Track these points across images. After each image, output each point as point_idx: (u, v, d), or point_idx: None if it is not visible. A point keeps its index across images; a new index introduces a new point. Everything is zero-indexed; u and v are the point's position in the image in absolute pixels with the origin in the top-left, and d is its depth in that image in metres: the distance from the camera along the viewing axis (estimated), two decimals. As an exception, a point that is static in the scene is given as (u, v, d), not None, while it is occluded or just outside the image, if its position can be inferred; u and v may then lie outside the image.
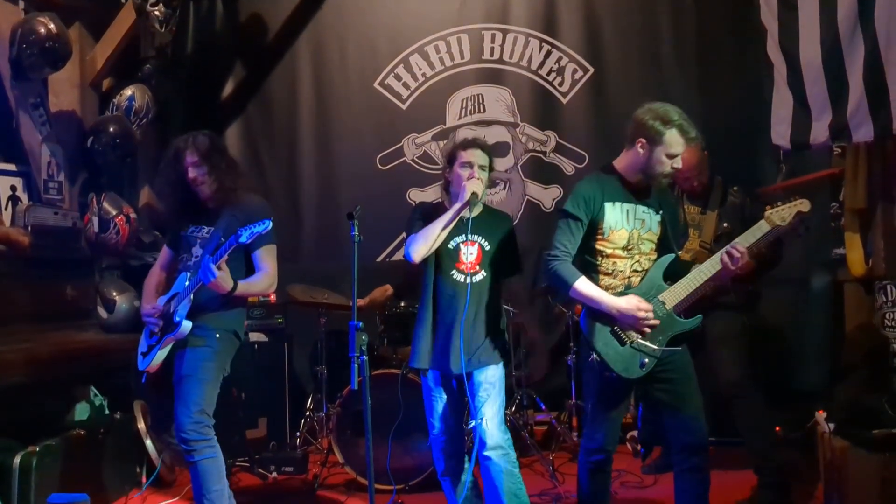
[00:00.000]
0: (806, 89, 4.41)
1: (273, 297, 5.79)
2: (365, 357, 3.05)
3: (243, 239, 3.46)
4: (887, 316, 4.47)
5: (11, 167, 4.92)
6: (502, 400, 3.62)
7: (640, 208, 3.41)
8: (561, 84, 6.36)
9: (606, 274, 3.40)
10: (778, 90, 4.61)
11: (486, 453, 3.51)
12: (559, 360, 5.82)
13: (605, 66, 6.29)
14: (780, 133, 4.58)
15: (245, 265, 3.80)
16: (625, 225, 3.38)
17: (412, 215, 3.76)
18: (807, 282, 5.51)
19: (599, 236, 3.39)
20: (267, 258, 3.80)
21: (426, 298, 3.66)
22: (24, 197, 4.94)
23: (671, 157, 3.31)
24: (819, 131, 4.37)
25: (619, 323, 3.30)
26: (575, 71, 6.33)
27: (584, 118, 6.31)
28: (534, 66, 6.37)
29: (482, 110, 6.44)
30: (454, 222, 3.57)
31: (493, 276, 3.65)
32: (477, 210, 3.67)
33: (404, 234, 6.26)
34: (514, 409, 5.31)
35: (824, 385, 5.28)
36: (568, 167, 6.34)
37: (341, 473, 4.85)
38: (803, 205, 3.34)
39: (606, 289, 3.36)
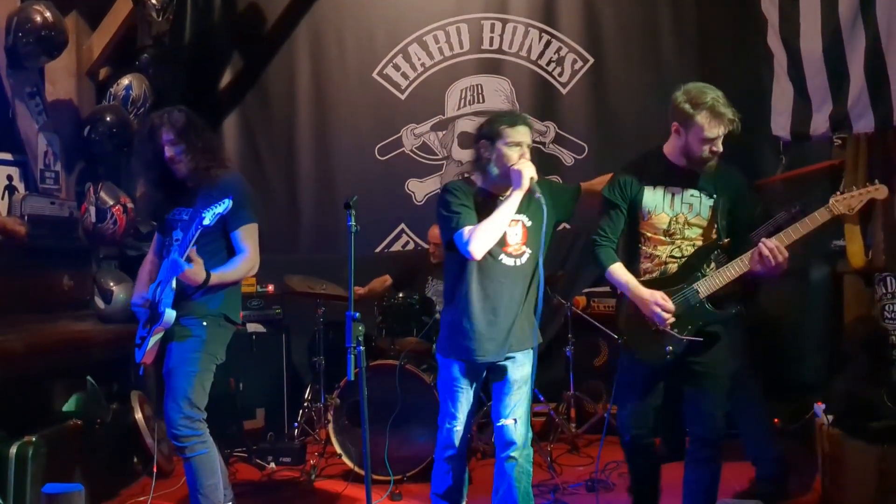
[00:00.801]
0: (806, 80, 4.39)
1: (271, 287, 5.79)
2: (362, 348, 3.03)
3: (207, 222, 3.34)
4: (887, 308, 4.46)
5: (8, 156, 4.89)
6: (531, 398, 3.48)
7: (689, 192, 3.31)
8: (560, 74, 6.33)
9: (646, 258, 3.37)
10: (778, 81, 4.59)
11: (513, 454, 3.40)
12: (557, 352, 5.81)
13: (605, 57, 6.28)
14: (781, 124, 4.56)
15: (226, 247, 3.67)
16: (666, 209, 3.31)
17: (449, 199, 3.40)
18: (806, 273, 5.49)
19: (641, 220, 3.35)
20: (246, 239, 3.64)
21: (467, 287, 3.39)
22: (20, 186, 4.92)
23: (706, 141, 3.18)
24: (819, 122, 4.36)
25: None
26: (574, 61, 6.31)
27: (583, 109, 6.30)
28: (533, 57, 6.35)
29: (481, 101, 6.42)
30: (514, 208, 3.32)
31: (535, 252, 3.41)
32: None
33: (403, 225, 6.36)
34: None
35: (823, 377, 5.27)
36: (567, 158, 6.32)
37: (339, 464, 4.84)
38: (879, 191, 3.16)
39: (644, 272, 3.34)
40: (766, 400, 4.34)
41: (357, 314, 3.05)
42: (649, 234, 3.35)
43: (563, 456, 5.07)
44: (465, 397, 3.50)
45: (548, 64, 6.34)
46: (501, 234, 3.32)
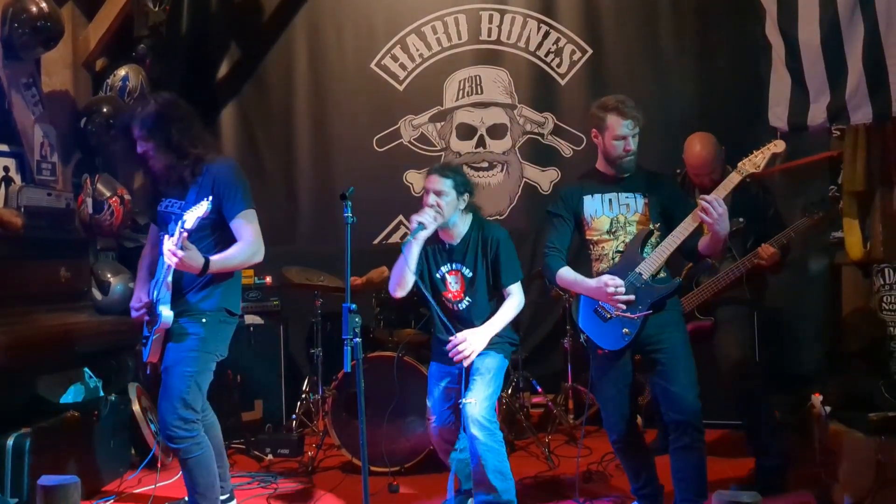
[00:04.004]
0: (804, 71, 4.38)
1: (269, 279, 5.78)
2: (358, 339, 3.02)
3: (189, 226, 3.24)
4: (885, 299, 4.46)
5: (4, 148, 4.88)
6: (496, 388, 3.73)
7: (623, 194, 3.58)
8: (559, 65, 6.32)
9: (597, 260, 3.62)
10: (776, 71, 4.57)
11: (472, 431, 3.59)
12: (556, 343, 5.81)
13: (604, 48, 6.26)
14: (777, 115, 4.55)
15: (216, 244, 3.56)
16: (606, 212, 3.58)
17: None
18: (804, 265, 5.49)
19: (586, 227, 3.62)
20: (245, 225, 3.51)
21: (433, 313, 3.85)
22: (17, 178, 4.92)
23: (618, 138, 3.49)
24: (817, 113, 4.35)
25: (599, 301, 3.51)
26: (573, 52, 6.29)
27: (582, 100, 6.27)
28: (532, 48, 6.33)
29: (479, 91, 6.40)
30: (417, 250, 3.77)
31: (480, 299, 3.83)
32: (463, 230, 3.85)
33: (401, 217, 6.36)
34: (510, 391, 5.30)
35: (821, 368, 5.28)
36: (566, 149, 6.31)
37: (337, 456, 4.85)
38: (777, 145, 3.44)
39: (598, 273, 3.55)
40: (765, 392, 4.34)
41: (354, 305, 3.04)
42: (595, 238, 3.61)
43: (561, 447, 5.07)
44: (440, 396, 3.93)
45: (546, 55, 6.32)
46: (399, 273, 3.79)
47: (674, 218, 3.49)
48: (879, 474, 3.51)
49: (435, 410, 3.94)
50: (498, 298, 3.85)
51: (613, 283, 3.40)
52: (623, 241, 3.54)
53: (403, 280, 3.80)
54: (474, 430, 3.58)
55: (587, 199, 3.61)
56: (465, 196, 3.82)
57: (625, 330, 3.44)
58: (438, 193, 3.76)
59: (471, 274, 3.81)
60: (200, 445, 3.55)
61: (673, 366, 3.45)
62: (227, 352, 3.69)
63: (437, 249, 3.87)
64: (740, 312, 4.25)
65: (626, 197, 3.57)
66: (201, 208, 3.26)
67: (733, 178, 3.38)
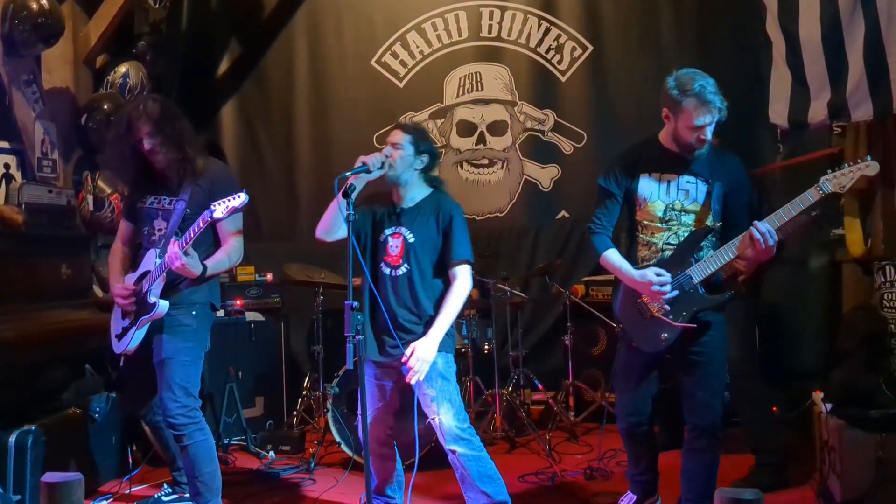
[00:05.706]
0: (805, 68, 4.37)
1: (270, 276, 5.79)
2: (361, 337, 3.02)
3: (218, 214, 3.35)
4: (886, 297, 4.45)
5: (5, 145, 4.89)
6: (453, 389, 3.49)
7: (685, 178, 3.30)
8: (560, 62, 6.31)
9: (644, 245, 3.38)
10: (776, 68, 4.57)
11: (449, 447, 3.48)
12: (556, 341, 5.81)
13: (605, 45, 6.26)
14: (778, 112, 4.55)
15: (212, 236, 3.66)
16: (661, 197, 3.32)
17: None
18: (805, 262, 5.48)
19: (637, 207, 3.37)
20: (232, 228, 3.65)
21: (363, 288, 3.53)
22: (17, 175, 4.92)
23: (693, 128, 3.16)
24: (817, 110, 4.35)
25: (642, 295, 3.31)
26: (574, 49, 6.29)
27: (582, 97, 6.28)
28: (532, 44, 6.33)
29: (480, 88, 6.40)
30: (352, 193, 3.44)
31: (420, 269, 3.50)
32: (417, 195, 3.57)
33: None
34: (510, 388, 5.31)
35: (821, 365, 5.27)
36: (566, 146, 6.30)
37: (338, 452, 4.84)
38: (870, 168, 3.04)
39: (642, 260, 3.36)
40: (766, 388, 4.35)
41: (356, 303, 3.04)
42: (646, 222, 3.36)
43: (562, 444, 5.08)
44: (371, 393, 3.60)
45: (547, 52, 6.32)
46: (328, 212, 3.52)
47: (730, 204, 3.28)
48: (880, 471, 3.52)
49: (370, 411, 3.63)
50: (445, 281, 3.51)
51: (660, 279, 3.21)
52: (675, 234, 3.30)
53: (330, 222, 3.52)
54: (451, 446, 3.45)
55: (643, 178, 3.32)
56: (423, 157, 3.53)
57: (663, 335, 3.26)
58: (395, 146, 3.51)
59: (413, 239, 3.50)
60: (203, 431, 3.63)
61: (706, 370, 3.31)
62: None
63: (387, 212, 3.59)
64: (737, 309, 4.25)
65: (687, 182, 3.29)
66: (237, 200, 3.36)
67: (813, 194, 3.06)
